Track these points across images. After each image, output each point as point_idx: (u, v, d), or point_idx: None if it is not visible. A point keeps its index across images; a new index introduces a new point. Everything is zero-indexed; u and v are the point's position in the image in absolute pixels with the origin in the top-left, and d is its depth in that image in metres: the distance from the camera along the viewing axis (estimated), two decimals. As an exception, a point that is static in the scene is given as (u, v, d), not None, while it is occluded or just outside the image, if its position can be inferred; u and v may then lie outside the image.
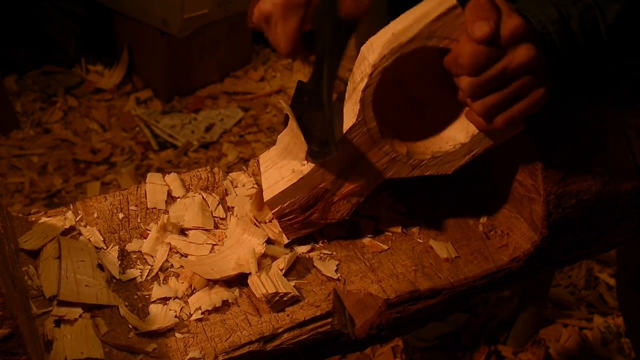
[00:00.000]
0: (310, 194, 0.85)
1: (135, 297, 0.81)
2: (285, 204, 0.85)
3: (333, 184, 0.84)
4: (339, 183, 0.85)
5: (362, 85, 0.78)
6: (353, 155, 0.82)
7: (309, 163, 0.83)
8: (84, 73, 3.08)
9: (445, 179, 0.97)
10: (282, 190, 0.85)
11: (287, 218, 0.87)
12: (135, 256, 0.86)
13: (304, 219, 0.87)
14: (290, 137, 0.87)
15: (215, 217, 0.91)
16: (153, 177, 0.93)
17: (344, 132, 0.80)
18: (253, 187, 0.95)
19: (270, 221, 0.91)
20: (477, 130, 0.81)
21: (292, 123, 0.84)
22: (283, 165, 0.87)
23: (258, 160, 0.93)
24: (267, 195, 0.86)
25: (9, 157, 2.70)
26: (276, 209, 0.86)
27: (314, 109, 0.85)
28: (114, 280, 0.82)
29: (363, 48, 0.79)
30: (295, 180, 0.84)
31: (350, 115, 0.80)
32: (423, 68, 0.84)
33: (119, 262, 0.85)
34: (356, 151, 0.82)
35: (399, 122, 0.87)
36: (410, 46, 0.76)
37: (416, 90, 0.87)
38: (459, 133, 0.84)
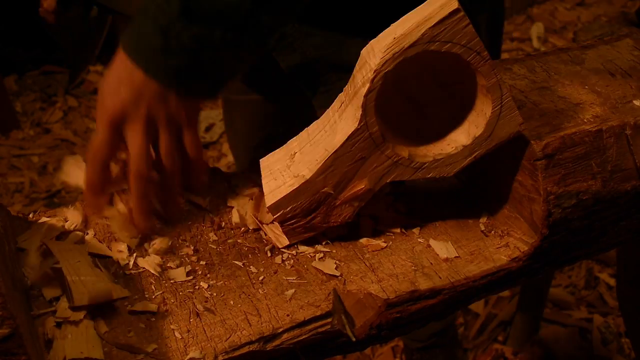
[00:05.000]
0: (312, 199, 0.85)
1: (136, 297, 0.81)
2: (288, 209, 0.86)
3: (335, 189, 0.85)
4: (341, 187, 0.85)
5: (363, 90, 0.78)
6: (355, 160, 0.83)
7: (311, 169, 0.84)
8: (84, 73, 3.08)
9: (445, 179, 0.97)
10: (284, 196, 0.85)
11: (289, 222, 0.87)
12: (135, 255, 0.86)
13: (306, 223, 0.87)
14: (298, 142, 0.87)
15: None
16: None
17: (344, 138, 0.81)
18: (253, 186, 0.95)
19: (271, 222, 0.91)
20: (479, 132, 0.81)
21: (307, 131, 0.86)
22: (284, 170, 0.87)
23: (259, 162, 0.93)
24: (268, 201, 0.86)
25: (9, 157, 2.70)
26: (278, 214, 0.86)
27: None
28: (115, 281, 0.82)
29: (364, 51, 0.79)
30: (297, 185, 0.84)
31: (352, 120, 0.80)
32: (423, 69, 0.84)
33: (118, 261, 0.85)
34: (358, 155, 0.82)
35: (400, 124, 0.87)
36: (412, 50, 0.76)
37: (416, 92, 0.87)
38: (461, 135, 0.84)
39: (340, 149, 0.82)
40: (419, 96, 0.87)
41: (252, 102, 1.46)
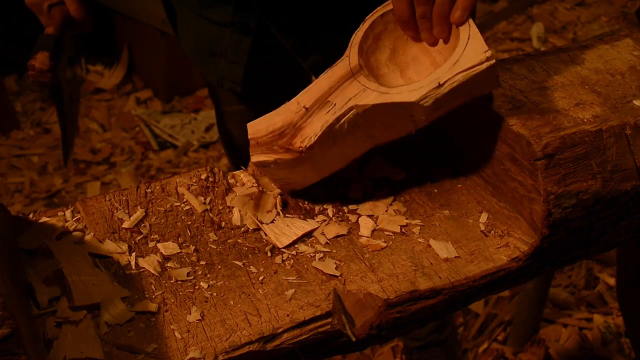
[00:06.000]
0: (285, 120, 0.90)
1: (136, 297, 0.81)
2: (262, 126, 0.92)
3: (309, 109, 0.89)
4: (314, 109, 0.89)
5: (358, 32, 0.89)
6: (331, 85, 0.89)
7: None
8: (84, 73, 3.08)
9: (445, 181, 0.97)
10: (265, 116, 0.92)
11: (257, 136, 0.92)
12: (135, 255, 0.86)
13: (272, 142, 0.90)
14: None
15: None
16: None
17: (329, 68, 0.90)
18: (253, 186, 0.95)
19: (271, 222, 0.91)
20: (445, 59, 0.85)
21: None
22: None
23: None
24: (250, 122, 0.93)
25: (9, 157, 2.70)
26: (253, 130, 0.92)
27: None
28: (115, 281, 0.82)
29: None
30: (278, 108, 0.92)
31: (339, 61, 0.90)
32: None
33: (118, 261, 0.85)
34: (335, 81, 0.89)
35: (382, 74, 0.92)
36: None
37: (400, 52, 0.93)
38: (428, 61, 0.90)
39: (322, 76, 0.90)
40: (402, 57, 0.92)
41: (245, 112, 1.47)
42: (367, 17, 0.91)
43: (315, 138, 0.87)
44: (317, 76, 1.27)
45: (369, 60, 0.90)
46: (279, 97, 1.04)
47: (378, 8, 0.91)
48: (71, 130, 1.29)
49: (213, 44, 1.34)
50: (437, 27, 0.87)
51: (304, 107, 0.89)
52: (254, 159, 0.92)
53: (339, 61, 0.90)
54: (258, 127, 0.93)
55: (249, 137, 0.93)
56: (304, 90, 0.91)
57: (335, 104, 0.87)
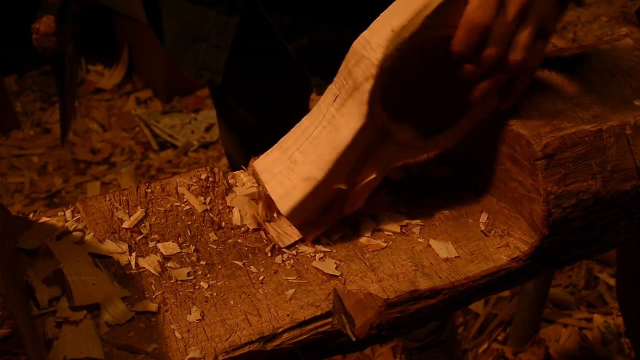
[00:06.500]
0: (325, 198, 0.86)
1: (136, 297, 0.81)
2: (304, 213, 0.86)
3: (346, 183, 0.86)
4: (351, 179, 0.86)
5: (367, 86, 0.78)
6: (364, 151, 0.84)
7: (321, 169, 0.83)
8: (84, 73, 3.08)
9: (445, 181, 0.98)
10: (300, 201, 0.85)
11: (304, 223, 0.88)
12: (135, 255, 0.86)
13: (318, 219, 0.88)
14: (294, 140, 0.87)
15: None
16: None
17: (352, 135, 0.81)
18: (253, 186, 0.95)
19: (273, 222, 0.91)
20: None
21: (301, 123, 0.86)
22: (288, 172, 0.86)
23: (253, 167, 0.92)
24: (282, 207, 0.86)
25: (9, 157, 2.71)
26: (296, 220, 0.87)
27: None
28: (115, 281, 0.82)
29: (357, 45, 0.78)
30: (311, 189, 0.84)
31: (357, 116, 0.80)
32: (420, 57, 0.85)
33: (118, 261, 0.85)
34: (366, 148, 0.83)
35: (399, 109, 0.87)
36: (412, 41, 0.77)
37: (410, 76, 0.88)
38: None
39: (349, 146, 0.82)
40: (416, 81, 0.88)
41: (246, 113, 1.47)
42: (380, 69, 0.77)
43: (363, 202, 0.88)
44: (302, 61, 1.23)
45: (385, 101, 0.83)
46: (262, 92, 1.01)
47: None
48: (70, 106, 1.26)
49: (197, 27, 1.29)
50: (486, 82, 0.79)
51: (343, 187, 0.85)
52: (308, 239, 0.88)
53: (352, 107, 0.81)
54: (300, 211, 0.85)
55: (295, 224, 0.87)
56: (332, 167, 0.83)
57: (375, 175, 0.86)
